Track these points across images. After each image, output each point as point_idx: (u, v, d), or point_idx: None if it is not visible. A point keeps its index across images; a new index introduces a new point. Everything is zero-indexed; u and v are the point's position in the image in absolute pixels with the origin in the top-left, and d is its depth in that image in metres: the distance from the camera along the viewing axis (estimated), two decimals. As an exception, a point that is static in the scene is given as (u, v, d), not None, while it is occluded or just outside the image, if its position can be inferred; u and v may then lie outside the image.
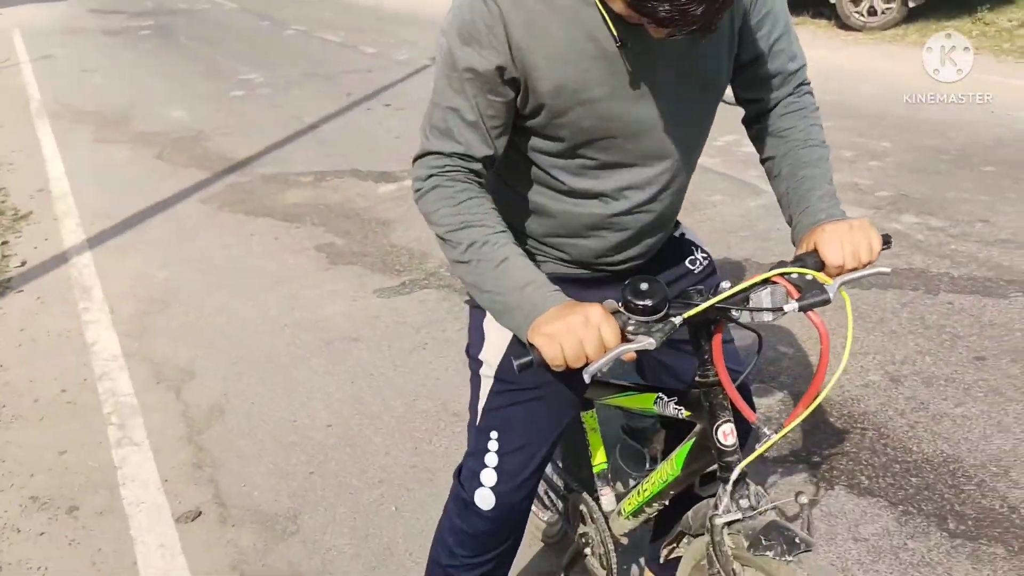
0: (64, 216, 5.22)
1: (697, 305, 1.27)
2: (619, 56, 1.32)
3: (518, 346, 1.35)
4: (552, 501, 2.25)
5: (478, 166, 1.40)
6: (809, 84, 1.60)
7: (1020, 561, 2.22)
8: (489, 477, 1.62)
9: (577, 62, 1.32)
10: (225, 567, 2.41)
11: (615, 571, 1.94)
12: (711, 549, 1.44)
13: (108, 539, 2.53)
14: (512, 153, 1.48)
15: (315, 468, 2.81)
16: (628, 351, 1.23)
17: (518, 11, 1.28)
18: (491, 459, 1.62)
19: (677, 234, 1.75)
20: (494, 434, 1.62)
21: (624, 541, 1.91)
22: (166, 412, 3.17)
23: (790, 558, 1.29)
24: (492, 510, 1.63)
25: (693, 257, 1.74)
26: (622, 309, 1.25)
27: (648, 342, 1.23)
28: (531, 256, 1.48)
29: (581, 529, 2.05)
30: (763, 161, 1.62)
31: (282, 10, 13.31)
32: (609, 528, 1.91)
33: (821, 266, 1.37)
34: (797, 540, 1.31)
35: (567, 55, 1.32)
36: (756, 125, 1.62)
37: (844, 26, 9.00)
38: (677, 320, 1.25)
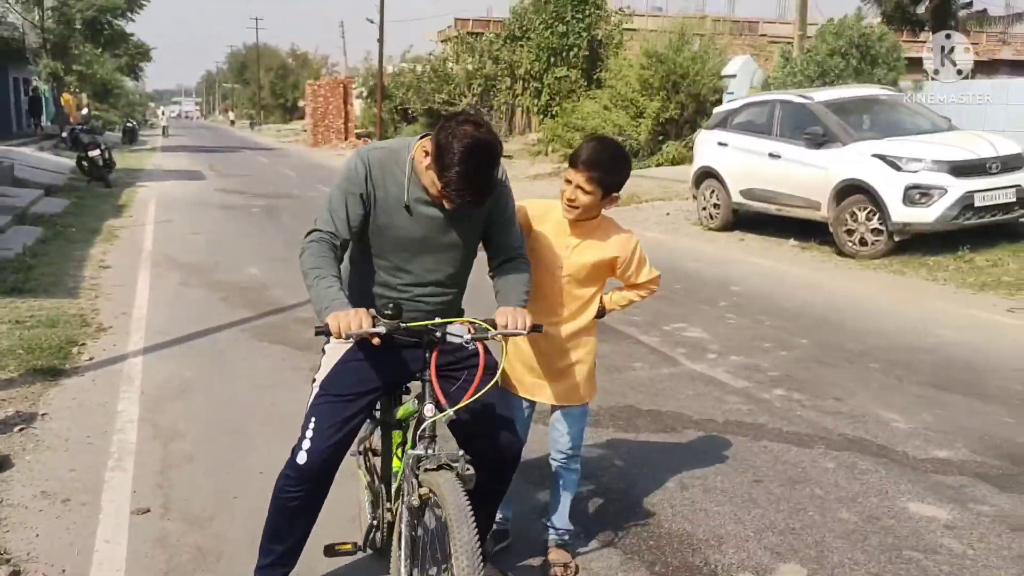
0: (134, 332, 6.64)
1: (415, 324, 2.50)
2: (414, 208, 2.69)
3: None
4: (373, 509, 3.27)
5: (338, 242, 2.68)
6: (525, 255, 2.93)
7: None
8: (306, 444, 2.73)
9: (394, 207, 2.70)
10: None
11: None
12: (406, 472, 2.52)
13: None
14: (357, 252, 2.78)
15: (263, 469, 3.87)
16: (372, 332, 2.43)
17: (375, 173, 2.69)
18: (308, 434, 2.74)
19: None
20: (312, 420, 2.76)
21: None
22: (152, 456, 4.32)
23: (432, 467, 2.42)
24: (306, 463, 2.72)
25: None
26: (377, 316, 2.46)
27: (381, 329, 2.43)
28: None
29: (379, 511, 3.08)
30: (495, 282, 2.89)
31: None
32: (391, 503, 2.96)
33: (495, 326, 2.55)
34: (444, 462, 2.43)
35: (391, 201, 2.69)
36: (495, 272, 2.91)
37: (842, 253, 10.10)
38: (403, 325, 2.47)
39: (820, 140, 10.38)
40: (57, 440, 4.48)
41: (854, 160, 9.88)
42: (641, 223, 13.35)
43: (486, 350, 2.62)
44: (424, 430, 2.52)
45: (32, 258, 9.44)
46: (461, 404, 2.52)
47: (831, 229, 10.25)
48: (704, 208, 12.62)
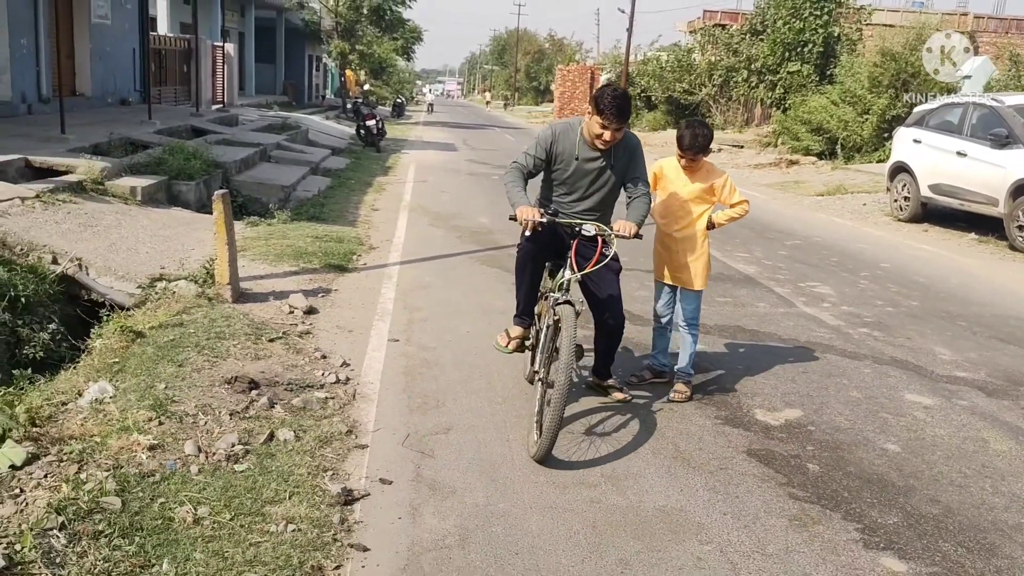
0: (394, 251, 9.08)
1: (563, 220, 4.45)
2: (579, 160, 4.62)
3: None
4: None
5: (525, 172, 4.65)
6: (649, 194, 4.70)
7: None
8: (527, 231, 4.56)
9: (568, 158, 4.63)
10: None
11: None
12: (550, 305, 4.46)
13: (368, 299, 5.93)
14: (545, 176, 4.76)
15: (468, 330, 6.01)
16: (538, 220, 4.38)
17: (558, 136, 4.65)
18: (526, 235, 4.60)
19: (606, 224, 4.78)
20: (526, 232, 4.58)
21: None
22: (402, 317, 6.58)
23: (562, 303, 4.29)
24: (524, 243, 4.63)
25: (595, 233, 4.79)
26: (544, 213, 4.45)
27: (544, 220, 4.41)
28: (540, 203, 4.74)
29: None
30: (627, 207, 4.70)
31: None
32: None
33: (612, 229, 4.46)
34: (569, 300, 4.33)
35: (566, 154, 4.64)
36: (627, 200, 4.73)
37: (1014, 248, 10.83)
38: (556, 220, 4.47)
39: (1004, 141, 11.11)
40: (344, 302, 6.88)
41: (1031, 161, 10.59)
42: (837, 211, 14.43)
43: (604, 243, 4.41)
44: (563, 284, 4.40)
45: (324, 199, 12.38)
46: (585, 271, 4.36)
47: (1004, 225, 10.98)
48: (896, 200, 13.51)
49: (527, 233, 4.55)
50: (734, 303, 7.36)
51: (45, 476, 3.43)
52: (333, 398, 4.80)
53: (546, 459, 4.09)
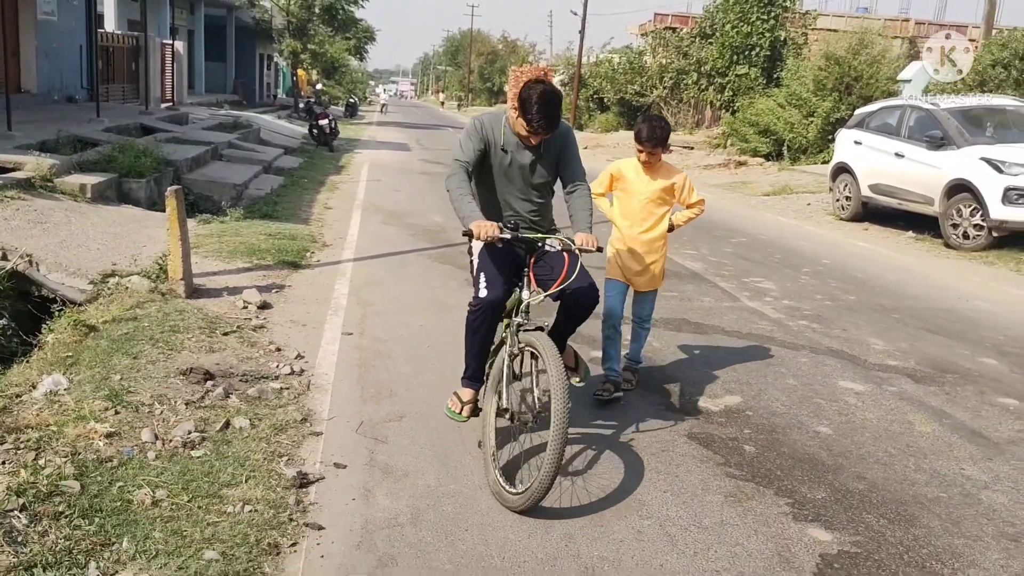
0: (347, 248, 9.17)
1: (526, 235, 4.47)
2: (510, 153, 4.57)
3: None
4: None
5: (468, 168, 4.52)
6: (586, 183, 4.67)
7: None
8: (483, 286, 4.42)
9: (497, 149, 4.57)
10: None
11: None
12: (509, 332, 4.49)
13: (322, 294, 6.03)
14: (478, 177, 4.78)
15: (422, 324, 6.14)
16: (500, 237, 4.20)
17: (486, 125, 4.52)
18: (483, 282, 4.39)
19: (551, 230, 4.84)
20: (482, 275, 4.50)
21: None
22: (355, 311, 6.68)
23: (530, 329, 4.27)
24: (485, 296, 4.30)
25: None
26: (503, 228, 4.36)
27: (506, 235, 4.25)
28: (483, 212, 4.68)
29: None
30: (568, 206, 4.66)
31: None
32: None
33: (574, 243, 4.47)
34: (539, 326, 4.27)
35: (496, 145, 4.58)
36: (566, 194, 4.71)
37: (948, 245, 11.26)
38: (518, 234, 4.35)
39: (939, 142, 11.55)
40: (298, 298, 6.96)
41: (964, 161, 11.02)
42: (783, 210, 14.81)
43: (571, 255, 4.24)
44: (524, 306, 4.24)
45: (277, 197, 12.40)
46: (551, 291, 4.15)
47: (940, 223, 11.42)
48: (838, 200, 13.93)
49: (483, 294, 4.15)
50: (680, 297, 7.59)
51: (3, 463, 3.50)
52: (288, 388, 4.90)
53: (534, 509, 3.62)
